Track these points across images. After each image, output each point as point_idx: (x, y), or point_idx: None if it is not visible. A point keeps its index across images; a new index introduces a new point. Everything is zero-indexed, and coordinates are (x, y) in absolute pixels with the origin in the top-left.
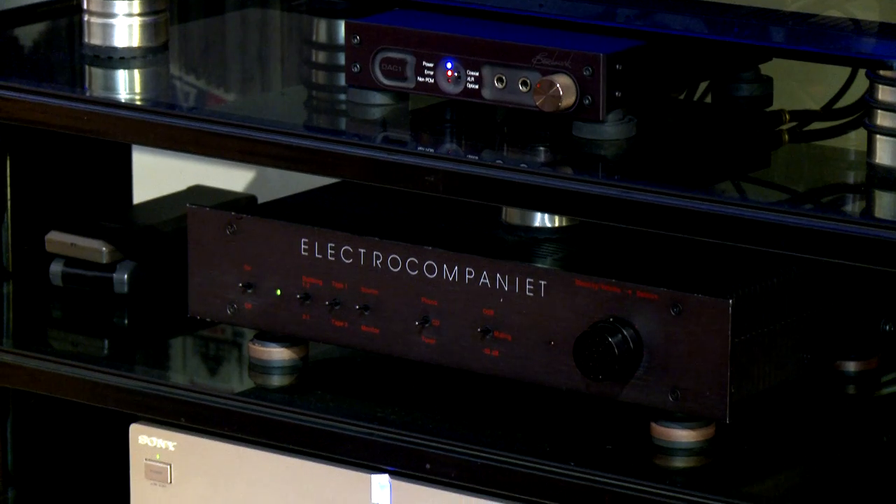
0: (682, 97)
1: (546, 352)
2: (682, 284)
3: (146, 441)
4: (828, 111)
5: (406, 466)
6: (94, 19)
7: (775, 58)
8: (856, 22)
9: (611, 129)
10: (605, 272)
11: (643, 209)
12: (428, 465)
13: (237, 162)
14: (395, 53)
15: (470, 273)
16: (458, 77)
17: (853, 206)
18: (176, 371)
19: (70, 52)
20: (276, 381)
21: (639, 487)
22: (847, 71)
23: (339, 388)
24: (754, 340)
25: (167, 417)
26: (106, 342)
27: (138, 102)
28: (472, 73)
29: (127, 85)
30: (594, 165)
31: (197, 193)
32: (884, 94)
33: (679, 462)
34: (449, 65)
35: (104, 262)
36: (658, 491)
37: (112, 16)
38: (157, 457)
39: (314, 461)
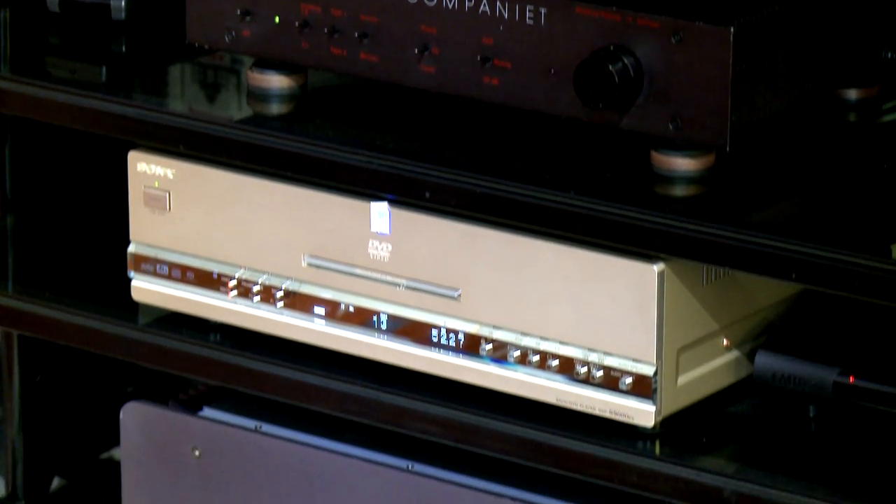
0: None
1: (546, 80)
2: (684, 12)
3: (145, 168)
4: None
5: (405, 194)
6: None
7: None
8: None
9: None
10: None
11: None
12: (427, 194)
13: None
14: None
15: (470, 0)
16: None
17: None
18: (174, 98)
19: None
20: (275, 108)
21: (638, 216)
22: None
23: (338, 117)
24: (755, 68)
25: (166, 145)
26: (104, 69)
27: None
28: None
29: None
30: None
31: None
32: None
33: (679, 190)
34: None
35: None
36: (657, 219)
37: None
38: (156, 184)
39: (313, 189)
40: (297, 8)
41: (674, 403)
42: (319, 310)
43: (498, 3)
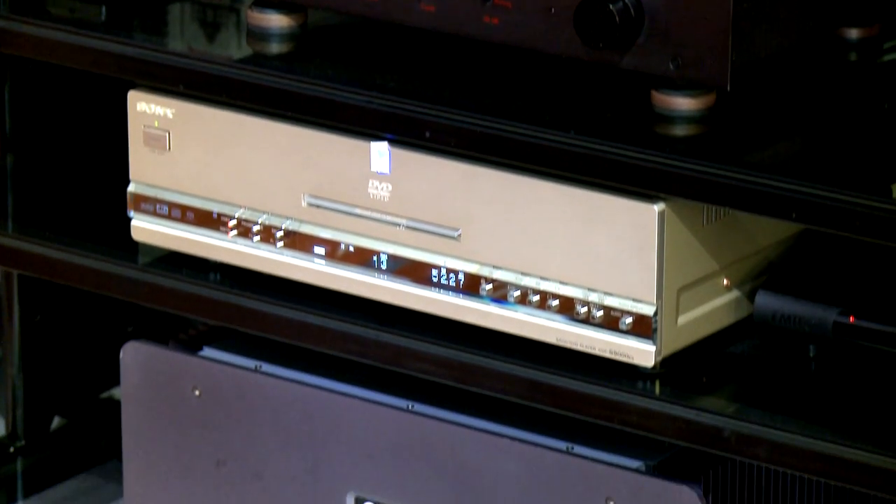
0: None
1: (546, 19)
2: None
3: (144, 108)
4: None
5: (405, 134)
6: None
7: None
8: None
9: None
10: None
11: None
12: (427, 133)
13: None
14: None
15: None
16: None
17: None
18: (174, 38)
19: None
20: (275, 48)
21: (638, 156)
22: None
23: (338, 56)
24: (756, 7)
25: (165, 84)
26: (103, 8)
27: None
28: None
29: None
30: None
31: None
32: None
33: (679, 130)
34: None
35: None
36: (658, 159)
37: None
38: (156, 124)
39: (313, 129)
40: None
41: (674, 343)
42: (319, 250)
43: None
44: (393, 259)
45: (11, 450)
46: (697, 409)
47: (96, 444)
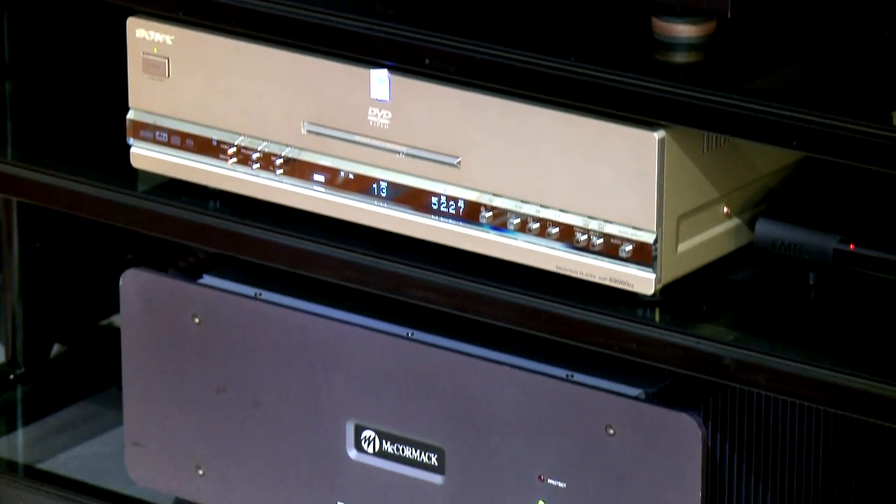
0: None
1: None
2: None
3: (144, 35)
4: None
5: (405, 61)
6: None
7: None
8: None
9: None
10: None
11: None
12: (427, 60)
13: None
14: None
15: None
16: None
17: None
18: None
19: None
20: None
21: (639, 83)
22: None
23: None
24: None
25: (165, 11)
26: None
27: None
28: None
29: None
30: None
31: None
32: None
33: (679, 57)
34: None
35: None
36: (658, 86)
37: None
38: (155, 51)
39: (313, 56)
40: None
41: (674, 271)
42: (319, 177)
43: None
44: (392, 186)
45: (11, 377)
46: (697, 337)
47: (96, 371)
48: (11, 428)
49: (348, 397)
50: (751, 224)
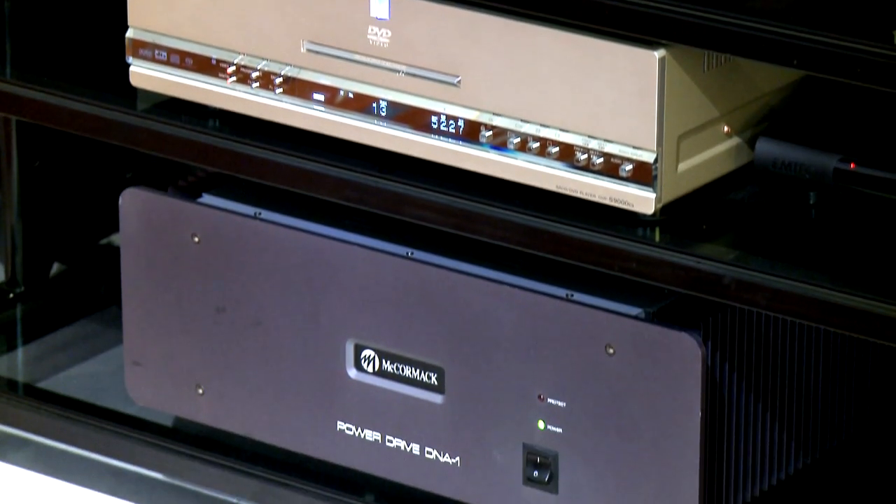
0: None
1: None
2: None
3: None
4: None
5: None
6: None
7: None
8: None
9: None
10: None
11: None
12: None
13: None
14: None
15: None
16: None
17: None
18: None
19: None
20: None
21: (639, 1)
22: None
23: None
24: None
25: None
26: None
27: None
28: None
29: None
30: None
31: None
32: None
33: None
34: None
35: None
36: (659, 4)
37: None
38: None
39: None
40: None
41: (674, 190)
42: (318, 96)
43: None
44: (392, 105)
45: (11, 296)
46: (697, 257)
47: (95, 290)
48: (11, 347)
49: (348, 317)
50: (751, 143)
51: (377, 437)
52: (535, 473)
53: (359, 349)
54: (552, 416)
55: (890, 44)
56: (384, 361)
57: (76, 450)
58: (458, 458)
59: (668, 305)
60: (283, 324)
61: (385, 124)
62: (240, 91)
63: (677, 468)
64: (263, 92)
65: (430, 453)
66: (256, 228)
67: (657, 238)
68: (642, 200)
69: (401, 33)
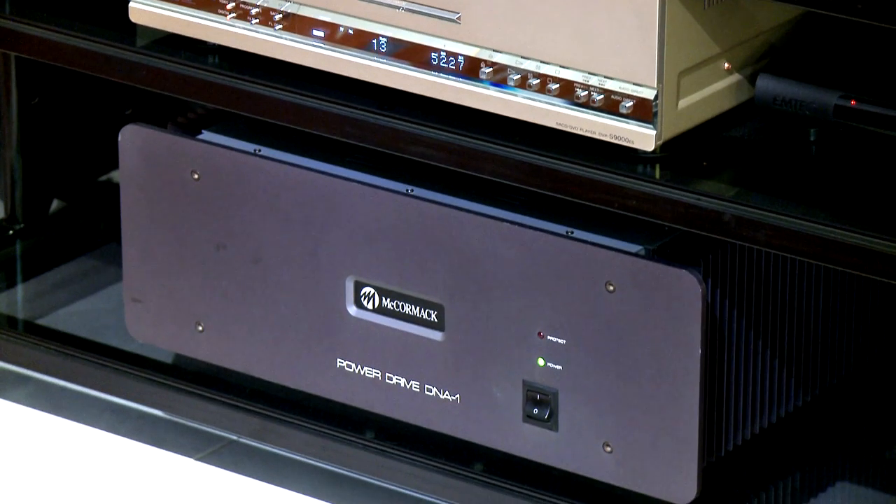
0: None
1: None
2: None
3: None
4: None
5: None
6: None
7: None
8: None
9: None
10: None
11: None
12: None
13: None
14: None
15: None
16: None
17: None
18: None
19: None
20: None
21: None
22: None
23: None
24: None
25: None
26: None
27: None
28: None
29: None
30: None
31: None
32: None
33: None
34: None
35: None
36: None
37: None
38: None
39: None
40: None
41: (674, 127)
42: (318, 32)
43: None
44: (392, 42)
45: (10, 232)
46: (697, 194)
47: (95, 227)
48: (11, 283)
49: (348, 254)
50: (752, 80)
51: (377, 375)
52: (535, 411)
53: (359, 286)
54: (552, 353)
55: None
56: (384, 298)
57: (76, 387)
58: (457, 396)
59: (668, 242)
60: (282, 261)
61: (385, 61)
62: (239, 27)
63: (677, 405)
64: (263, 28)
65: (430, 390)
66: (256, 165)
67: (657, 175)
68: (642, 137)
69: None
